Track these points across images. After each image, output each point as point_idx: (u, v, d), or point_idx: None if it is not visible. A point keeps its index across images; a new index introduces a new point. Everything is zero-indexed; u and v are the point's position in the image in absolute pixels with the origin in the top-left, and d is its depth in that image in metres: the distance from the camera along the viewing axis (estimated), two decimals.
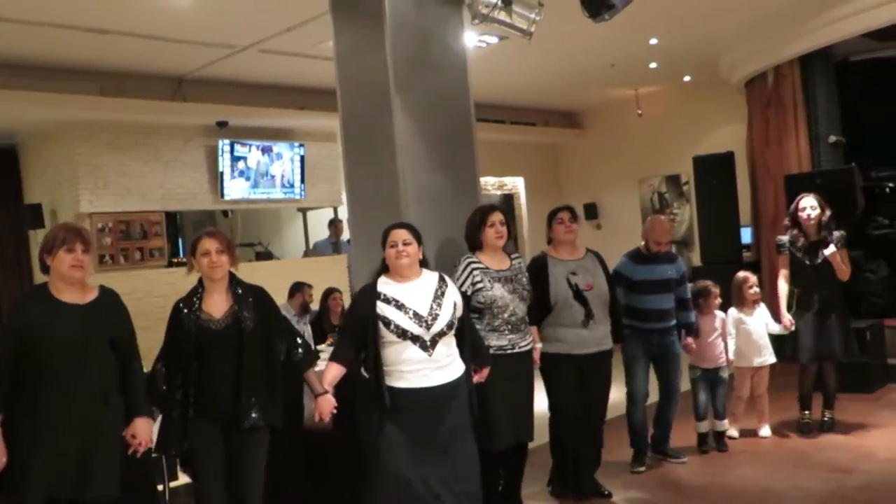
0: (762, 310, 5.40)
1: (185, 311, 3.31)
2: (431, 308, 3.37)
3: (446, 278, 3.54)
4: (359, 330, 3.38)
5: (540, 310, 4.16)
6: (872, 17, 6.82)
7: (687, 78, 10.37)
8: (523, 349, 3.93)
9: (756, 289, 5.38)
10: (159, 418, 3.36)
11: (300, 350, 3.44)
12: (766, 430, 5.38)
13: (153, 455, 3.65)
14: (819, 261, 5.17)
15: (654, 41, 8.37)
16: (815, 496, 4.25)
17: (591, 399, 4.27)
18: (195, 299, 3.35)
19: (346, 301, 6.79)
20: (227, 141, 8.54)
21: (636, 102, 10.99)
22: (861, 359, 5.94)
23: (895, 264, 7.24)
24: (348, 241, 8.35)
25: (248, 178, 8.77)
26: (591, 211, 12.32)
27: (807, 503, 4.20)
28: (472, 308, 3.80)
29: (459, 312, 3.47)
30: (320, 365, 3.52)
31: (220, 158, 8.51)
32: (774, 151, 8.04)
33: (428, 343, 3.32)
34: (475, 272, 3.84)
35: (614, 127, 11.88)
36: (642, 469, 4.80)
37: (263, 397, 3.28)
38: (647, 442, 4.91)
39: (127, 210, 8.00)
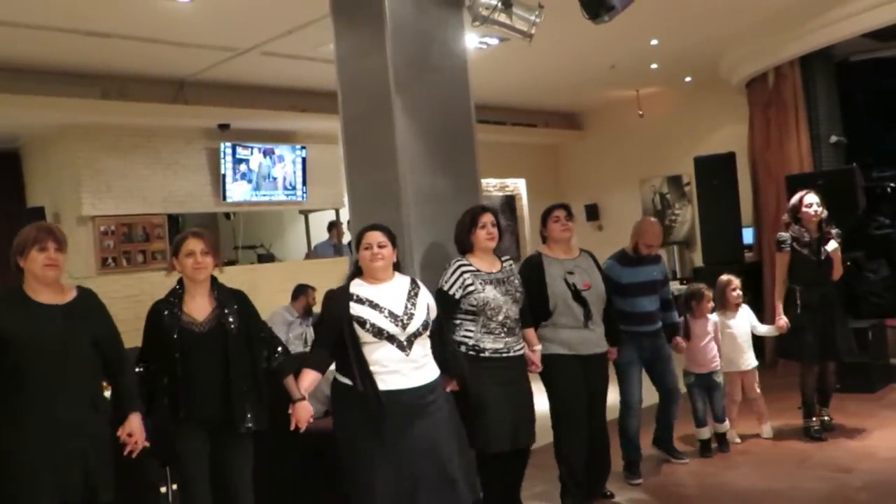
0: (745, 312, 5.37)
1: (166, 312, 3.21)
2: (406, 307, 3.35)
3: (418, 281, 3.52)
4: (333, 334, 3.31)
5: (538, 312, 4.05)
6: (873, 17, 6.82)
7: (688, 78, 10.38)
8: (518, 353, 3.86)
9: (739, 291, 5.34)
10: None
11: (279, 356, 3.38)
12: (767, 431, 5.35)
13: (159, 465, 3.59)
14: (822, 257, 5.16)
15: (654, 42, 8.38)
16: (817, 496, 4.25)
17: (595, 401, 4.19)
18: (175, 300, 3.25)
19: None
20: (228, 143, 8.57)
21: (637, 103, 11.00)
22: (862, 359, 5.93)
23: None
24: (349, 243, 8.36)
25: (249, 181, 8.79)
26: (593, 212, 12.32)
27: (809, 503, 4.20)
28: (466, 311, 3.76)
29: (433, 314, 3.45)
30: None
31: (222, 161, 8.53)
32: (775, 152, 8.03)
33: (405, 343, 3.29)
34: (465, 275, 3.76)
35: (615, 128, 11.88)
36: (639, 482, 4.65)
37: (253, 400, 3.24)
38: (640, 453, 4.76)
39: (129, 213, 8.02)
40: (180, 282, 3.32)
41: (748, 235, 8.63)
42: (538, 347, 4.02)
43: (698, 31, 7.99)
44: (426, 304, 3.43)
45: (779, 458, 4.94)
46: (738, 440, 5.31)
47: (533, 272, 4.11)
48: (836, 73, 8.16)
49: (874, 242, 7.33)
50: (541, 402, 4.05)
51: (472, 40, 7.04)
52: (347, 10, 4.55)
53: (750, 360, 5.34)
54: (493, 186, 11.68)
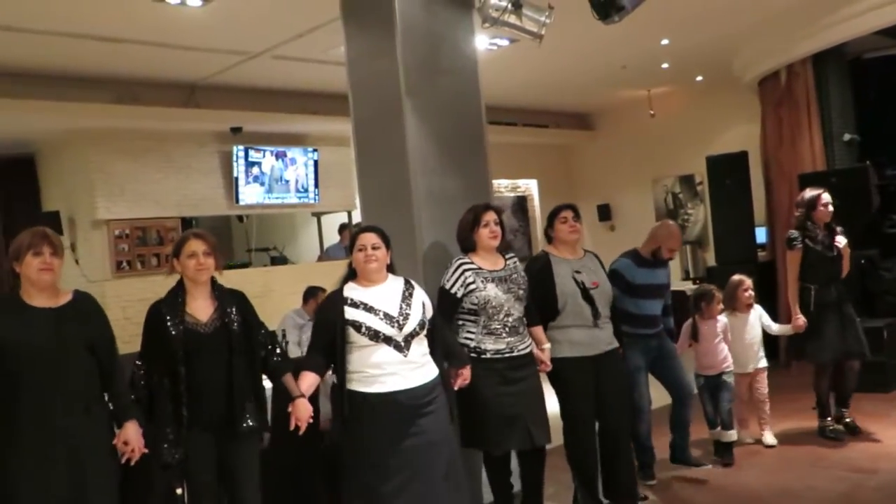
0: (756, 312, 5.29)
1: (168, 314, 3.18)
2: (401, 308, 3.35)
3: (412, 281, 3.53)
4: (328, 338, 3.33)
5: (547, 311, 3.99)
6: (886, 14, 6.77)
7: (699, 78, 10.33)
8: (523, 352, 3.80)
9: (751, 292, 5.26)
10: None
11: (277, 357, 3.38)
12: (769, 438, 5.22)
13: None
14: (835, 253, 5.13)
15: (665, 42, 8.35)
16: (833, 497, 4.22)
17: (610, 401, 4.06)
18: (176, 301, 3.23)
19: None
20: (241, 147, 8.61)
21: (648, 103, 10.96)
22: (878, 358, 5.88)
23: None
24: None
25: (262, 184, 8.83)
26: (605, 212, 12.29)
27: (824, 503, 4.18)
28: (467, 310, 3.75)
29: (429, 313, 3.45)
30: None
31: (234, 164, 8.57)
32: (788, 150, 7.99)
33: (402, 344, 3.30)
34: (467, 273, 3.74)
35: (627, 128, 11.85)
36: (653, 482, 4.63)
37: (252, 400, 3.24)
38: (654, 455, 4.72)
39: (143, 216, 8.08)
40: (180, 283, 3.29)
41: (761, 235, 8.59)
42: (547, 346, 3.95)
43: (709, 30, 7.95)
44: (421, 303, 3.43)
45: (793, 459, 4.92)
46: (751, 440, 5.28)
47: (541, 271, 4.05)
48: (850, 70, 8.12)
49: (888, 241, 7.30)
50: (552, 403, 3.99)
51: (483, 42, 7.04)
52: (357, 12, 4.57)
53: (760, 362, 5.27)
54: (504, 187, 11.68)
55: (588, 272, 4.11)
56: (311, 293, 7.03)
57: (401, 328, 3.32)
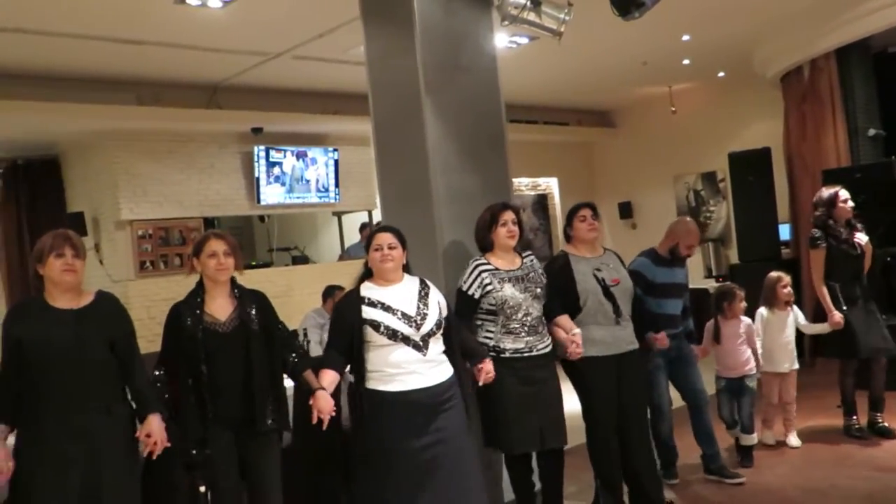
0: (794, 311, 5.19)
1: (188, 314, 3.22)
2: (419, 308, 3.37)
3: (427, 281, 3.54)
4: (346, 337, 3.35)
5: (568, 310, 3.93)
6: None
7: (721, 73, 10.25)
8: (542, 352, 3.79)
9: (790, 289, 5.17)
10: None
11: (296, 356, 3.40)
12: (794, 440, 5.17)
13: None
14: (858, 251, 5.09)
15: (686, 37, 8.29)
16: (858, 496, 4.19)
17: (633, 400, 4.03)
18: (196, 301, 3.26)
19: None
20: (262, 147, 8.65)
21: (670, 100, 10.89)
22: None
23: None
24: None
25: (283, 184, 8.87)
26: (626, 210, 12.23)
27: (848, 503, 4.14)
28: (486, 310, 3.75)
29: (445, 312, 3.47)
30: None
31: (255, 164, 8.62)
32: (812, 146, 7.91)
33: (420, 343, 3.32)
34: (483, 274, 3.74)
35: (648, 125, 11.79)
36: (675, 482, 4.62)
37: (274, 399, 3.26)
38: (677, 454, 4.70)
39: (166, 217, 8.15)
40: (200, 283, 3.32)
41: (784, 232, 8.50)
42: (577, 331, 3.82)
43: (730, 24, 7.88)
44: (437, 303, 3.46)
45: (818, 458, 4.87)
46: (773, 441, 5.21)
47: (561, 270, 4.02)
48: (874, 64, 8.01)
49: None
50: (571, 402, 3.98)
51: (502, 40, 7.04)
52: (377, 12, 4.58)
53: (793, 363, 5.18)
54: (524, 186, 11.65)
55: (608, 270, 4.07)
56: (329, 292, 7.06)
57: (418, 328, 3.34)
